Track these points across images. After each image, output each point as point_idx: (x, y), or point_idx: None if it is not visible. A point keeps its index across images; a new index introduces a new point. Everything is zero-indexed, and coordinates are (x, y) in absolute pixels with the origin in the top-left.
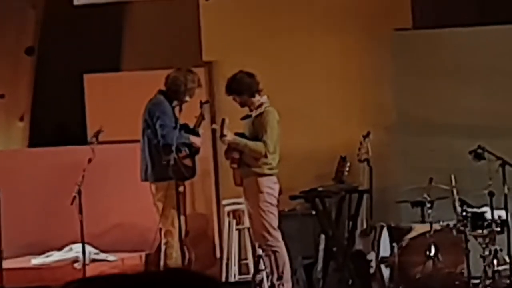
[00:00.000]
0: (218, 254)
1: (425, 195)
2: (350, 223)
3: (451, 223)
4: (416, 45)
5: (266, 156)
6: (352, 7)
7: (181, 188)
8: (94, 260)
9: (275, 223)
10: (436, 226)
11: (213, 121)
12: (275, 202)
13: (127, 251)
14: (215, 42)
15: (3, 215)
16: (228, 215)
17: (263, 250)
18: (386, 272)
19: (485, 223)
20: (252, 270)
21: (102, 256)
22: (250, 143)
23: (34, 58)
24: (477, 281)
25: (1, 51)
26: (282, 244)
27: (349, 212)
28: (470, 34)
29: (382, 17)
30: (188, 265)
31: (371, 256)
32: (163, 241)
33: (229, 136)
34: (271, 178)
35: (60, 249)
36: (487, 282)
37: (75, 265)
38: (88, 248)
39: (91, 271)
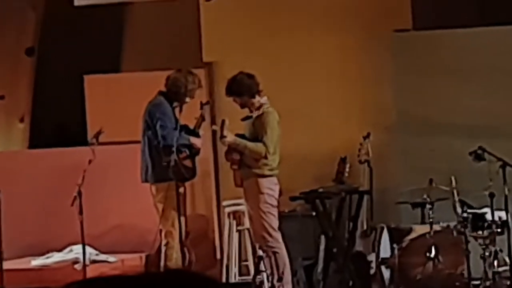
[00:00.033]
0: (218, 255)
1: (425, 196)
2: (351, 224)
3: (452, 224)
4: (416, 45)
5: (266, 157)
6: (352, 7)
7: (181, 189)
8: (94, 261)
9: (276, 224)
10: (437, 227)
11: (213, 122)
12: (275, 203)
13: (127, 252)
14: (215, 43)
15: (4, 216)
16: (229, 216)
17: (264, 251)
18: (386, 273)
19: (486, 224)
20: (252, 271)
21: (102, 257)
22: (250, 144)
23: (34, 59)
24: (477, 282)
25: (1, 52)
26: (282, 245)
27: (349, 213)
28: (470, 34)
29: (382, 18)
30: (188, 266)
31: (372, 257)
32: (163, 242)
33: (229, 137)
34: (271, 179)
35: (60, 250)
36: (488, 283)
37: (75, 266)
38: (88, 249)
39: (91, 272)
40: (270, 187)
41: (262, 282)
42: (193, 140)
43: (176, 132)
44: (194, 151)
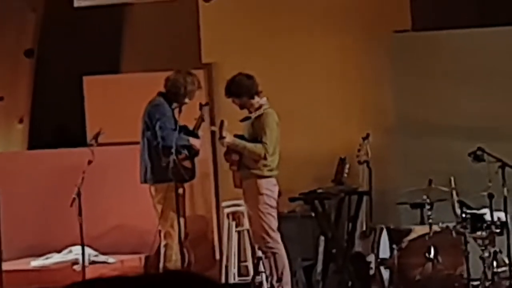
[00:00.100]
0: (217, 256)
1: (425, 197)
2: (350, 225)
3: (451, 225)
4: (415, 47)
5: (265, 158)
6: (352, 8)
7: (180, 190)
8: (93, 262)
9: (275, 225)
10: (436, 228)
11: (212, 123)
12: (274, 204)
13: (127, 253)
14: (215, 44)
15: (3, 217)
16: (228, 217)
17: (263, 252)
18: (385, 274)
19: (485, 225)
20: (251, 272)
21: (102, 258)
22: (249, 145)
23: (33, 60)
24: (476, 283)
25: (1, 53)
26: (281, 246)
27: (348, 214)
28: (469, 35)
29: (382, 19)
30: (188, 267)
31: (371, 258)
32: (163, 243)
33: (228, 138)
34: (270, 180)
35: (59, 251)
36: (487, 284)
37: (75, 267)
38: (88, 250)
39: (90, 273)
40: (269, 188)
41: (261, 283)
42: (193, 141)
43: (175, 133)
44: (193, 152)
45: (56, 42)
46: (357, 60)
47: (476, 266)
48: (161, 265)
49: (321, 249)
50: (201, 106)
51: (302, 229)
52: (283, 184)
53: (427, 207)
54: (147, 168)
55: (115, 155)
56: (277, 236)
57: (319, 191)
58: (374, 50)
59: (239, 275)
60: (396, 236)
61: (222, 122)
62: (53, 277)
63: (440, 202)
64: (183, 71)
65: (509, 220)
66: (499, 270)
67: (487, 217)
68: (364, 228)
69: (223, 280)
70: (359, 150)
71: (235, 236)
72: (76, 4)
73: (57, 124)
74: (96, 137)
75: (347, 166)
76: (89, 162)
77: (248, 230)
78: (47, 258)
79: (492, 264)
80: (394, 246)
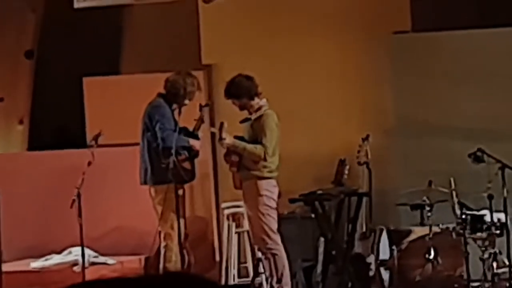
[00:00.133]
0: (217, 257)
1: (425, 198)
2: (350, 226)
3: (451, 226)
4: (415, 47)
5: (265, 159)
6: (352, 9)
7: (180, 191)
8: (93, 264)
9: (275, 226)
10: (436, 229)
11: (212, 124)
12: (274, 205)
13: (127, 254)
14: (215, 45)
15: (3, 219)
16: (228, 218)
17: (263, 253)
18: (385, 275)
19: (485, 226)
20: (251, 273)
21: (102, 259)
22: (249, 146)
23: (33, 61)
24: (476, 284)
25: (1, 54)
26: (281, 247)
27: (348, 215)
28: (469, 36)
29: (382, 20)
30: (188, 268)
31: (371, 259)
32: (163, 244)
33: (228, 140)
34: (270, 181)
35: (59, 252)
36: (487, 285)
37: (75, 268)
38: (88, 251)
39: (90, 274)
40: (269, 189)
41: (261, 284)
42: (192, 142)
43: (175, 134)
44: (193, 153)
45: (56, 43)
46: (357, 60)
47: (476, 267)
48: (161, 266)
49: (321, 250)
50: (201, 107)
51: (302, 230)
52: (283, 185)
53: (427, 208)
54: (147, 169)
55: (115, 156)
56: (277, 237)
57: (319, 192)
58: (374, 50)
59: (239, 276)
60: (396, 237)
61: (222, 124)
62: (52, 278)
63: (440, 203)
64: (183, 72)
65: (509, 221)
66: (499, 271)
67: (487, 218)
68: (364, 229)
69: (223, 282)
70: (358, 152)
71: (235, 237)
72: (76, 5)
73: (57, 125)
74: (96, 138)
75: (347, 167)
76: (89, 163)
77: (248, 232)
78: (47, 259)
79: (492, 265)
80: (394, 247)
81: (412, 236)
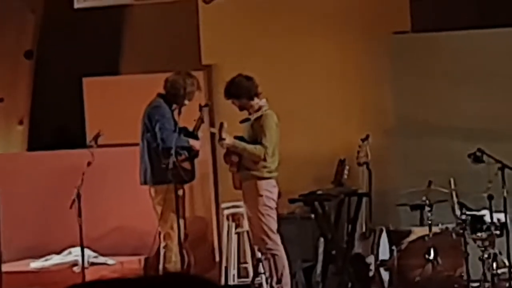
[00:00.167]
0: (217, 258)
1: (424, 198)
2: (349, 226)
3: (450, 226)
4: (415, 47)
5: (265, 160)
6: (352, 9)
7: (180, 192)
8: (93, 264)
9: (274, 226)
10: (435, 229)
11: (212, 124)
12: (274, 205)
13: (126, 255)
14: (214, 46)
15: (3, 219)
16: (227, 218)
17: (262, 254)
18: (385, 275)
19: (484, 226)
20: (251, 273)
21: (101, 259)
22: (249, 147)
23: (33, 62)
24: (476, 284)
25: (1, 54)
26: (281, 247)
27: (348, 216)
28: (469, 37)
29: (382, 20)
30: (187, 268)
31: (370, 259)
32: (162, 244)
33: (228, 140)
34: (270, 182)
35: (59, 252)
36: (486, 285)
37: (74, 268)
38: (87, 251)
39: (90, 274)
40: (269, 189)
41: (261, 284)
42: (192, 142)
43: (175, 135)
44: (193, 153)
45: (56, 43)
46: (357, 60)
47: (475, 268)
48: (160, 266)
49: (320, 250)
50: (200, 107)
51: (302, 230)
52: (283, 185)
53: (427, 208)
54: (146, 169)
55: (115, 157)
56: (276, 237)
57: (319, 192)
58: (374, 50)
59: (239, 276)
60: (395, 238)
61: (221, 124)
62: (52, 279)
63: (439, 203)
64: (183, 72)
65: (508, 222)
66: (499, 271)
67: (487, 219)
68: (363, 230)
69: (222, 282)
70: (358, 152)
71: (234, 238)
72: (76, 5)
73: (56, 125)
74: (95, 138)
75: (347, 167)
76: (89, 163)
77: (247, 232)
78: (46, 260)
79: (491, 265)
80: (394, 247)
81: (412, 237)
